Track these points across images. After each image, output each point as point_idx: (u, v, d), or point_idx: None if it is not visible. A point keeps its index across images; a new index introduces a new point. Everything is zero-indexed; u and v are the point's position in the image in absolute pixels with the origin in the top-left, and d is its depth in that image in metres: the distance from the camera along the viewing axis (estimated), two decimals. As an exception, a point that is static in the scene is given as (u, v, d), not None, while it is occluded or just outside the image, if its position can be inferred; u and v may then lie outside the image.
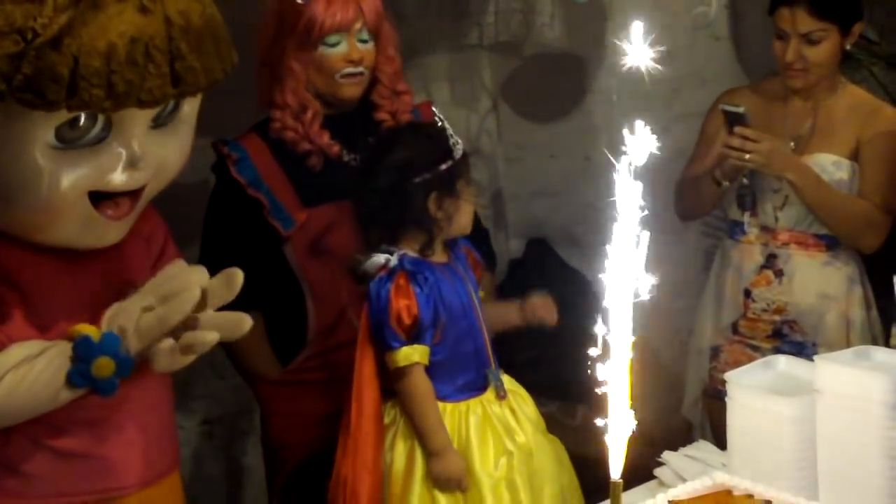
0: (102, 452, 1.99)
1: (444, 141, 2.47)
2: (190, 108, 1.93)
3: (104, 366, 1.85)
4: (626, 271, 1.36)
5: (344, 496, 2.41)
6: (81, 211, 1.84)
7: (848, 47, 2.97)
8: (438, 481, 2.40)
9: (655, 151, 1.36)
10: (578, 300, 3.07)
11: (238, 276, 1.95)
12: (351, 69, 2.61)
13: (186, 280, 1.91)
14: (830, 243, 3.01)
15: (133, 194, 1.90)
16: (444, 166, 2.44)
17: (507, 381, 2.57)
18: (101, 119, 1.79)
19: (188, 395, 3.36)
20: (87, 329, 1.86)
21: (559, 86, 3.83)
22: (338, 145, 2.66)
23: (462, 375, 2.49)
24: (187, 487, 2.25)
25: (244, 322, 1.95)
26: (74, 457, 1.96)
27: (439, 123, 2.53)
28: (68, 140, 1.77)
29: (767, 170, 2.90)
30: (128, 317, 1.87)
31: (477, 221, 2.72)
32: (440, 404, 2.45)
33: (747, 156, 2.85)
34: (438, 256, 2.50)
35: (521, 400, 2.57)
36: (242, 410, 3.50)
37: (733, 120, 2.89)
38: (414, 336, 2.41)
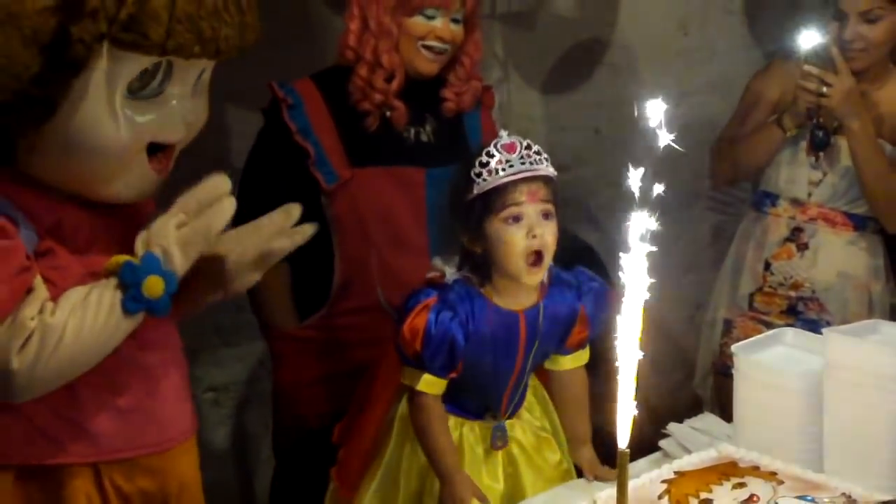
0: (153, 405, 2.01)
1: (468, 170, 2.17)
2: (208, 73, 1.97)
3: (154, 284, 1.87)
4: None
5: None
6: (141, 162, 1.89)
7: None
8: None
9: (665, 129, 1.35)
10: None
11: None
12: (437, 44, 2.60)
13: (214, 190, 1.95)
14: (858, 224, 3.03)
15: (168, 150, 1.95)
16: (467, 198, 2.16)
17: (534, 429, 2.35)
18: (161, 71, 1.84)
19: (194, 362, 3.33)
20: (124, 258, 1.88)
21: (570, 57, 3.81)
22: (405, 115, 2.65)
23: (465, 405, 2.31)
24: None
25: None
26: (132, 411, 1.98)
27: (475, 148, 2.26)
28: (133, 90, 1.83)
29: (837, 110, 2.87)
30: (164, 237, 1.89)
31: (585, 252, 2.64)
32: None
33: (825, 89, 2.82)
34: (504, 298, 2.21)
35: (535, 452, 2.34)
36: (248, 378, 3.50)
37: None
38: (417, 363, 2.19)
